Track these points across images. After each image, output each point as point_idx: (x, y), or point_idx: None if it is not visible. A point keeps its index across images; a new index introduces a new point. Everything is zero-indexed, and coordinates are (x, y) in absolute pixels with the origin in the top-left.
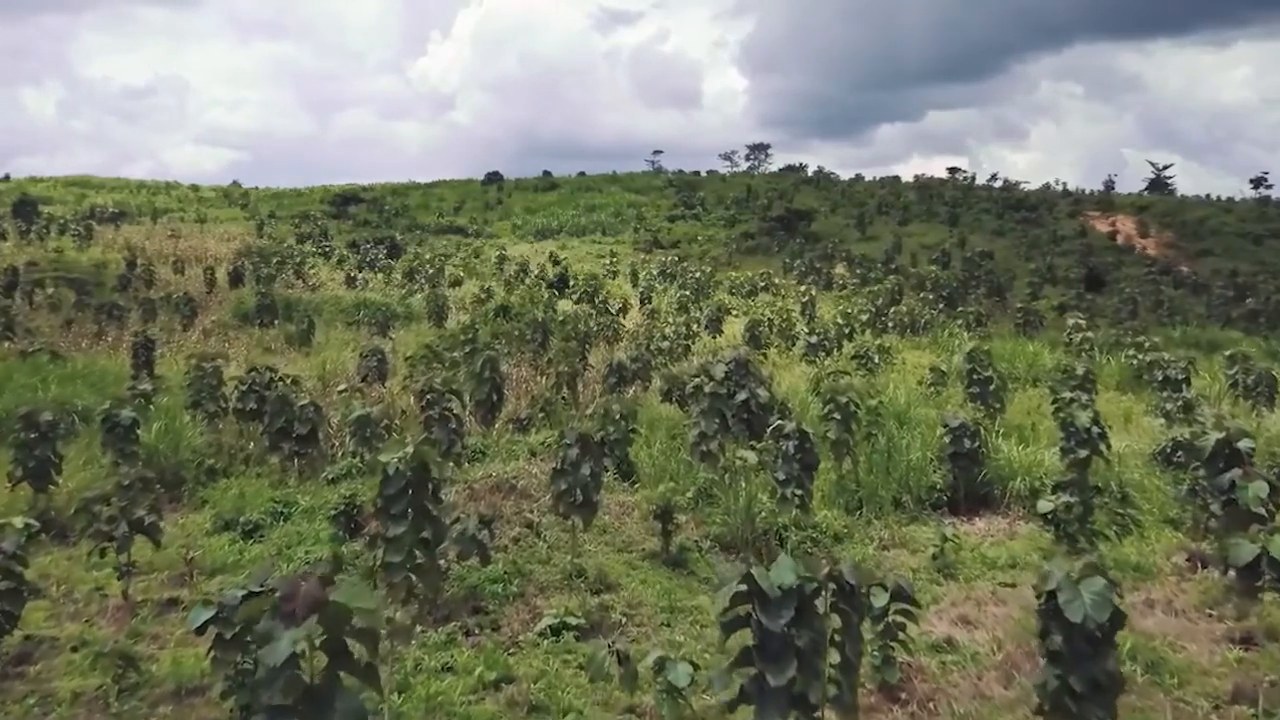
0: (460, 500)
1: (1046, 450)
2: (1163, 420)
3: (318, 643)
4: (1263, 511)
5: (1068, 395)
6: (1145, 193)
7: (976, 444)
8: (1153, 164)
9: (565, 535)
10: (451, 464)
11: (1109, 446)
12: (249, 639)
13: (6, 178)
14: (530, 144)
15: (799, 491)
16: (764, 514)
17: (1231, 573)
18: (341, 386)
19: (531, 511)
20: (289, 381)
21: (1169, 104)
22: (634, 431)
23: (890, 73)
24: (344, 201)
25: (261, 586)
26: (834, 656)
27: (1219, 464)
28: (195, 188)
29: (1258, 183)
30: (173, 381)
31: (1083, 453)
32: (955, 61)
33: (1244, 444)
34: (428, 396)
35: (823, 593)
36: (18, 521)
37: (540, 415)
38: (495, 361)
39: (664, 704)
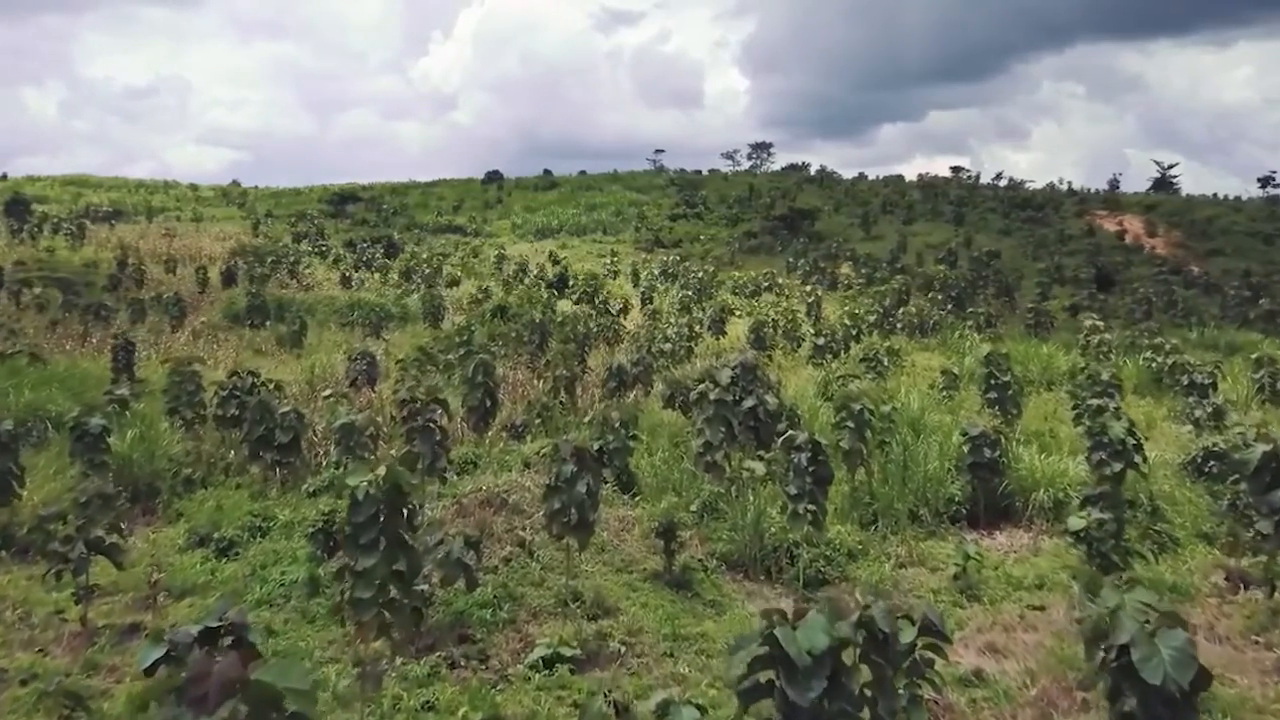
0: (448, 517)
1: (1070, 459)
2: (1190, 427)
3: None
4: None
5: (1094, 402)
6: (1151, 192)
7: (997, 453)
8: (1158, 163)
9: (560, 555)
10: (437, 480)
11: (1145, 459)
12: None
13: (4, 177)
14: (532, 144)
15: (812, 507)
16: (774, 530)
17: None
18: (327, 392)
19: (524, 528)
20: (272, 386)
21: (1171, 104)
22: (634, 438)
23: (892, 72)
24: (342, 200)
25: (220, 621)
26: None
27: (1265, 478)
28: (194, 187)
29: (1265, 182)
30: (155, 385)
31: (1116, 465)
32: (957, 61)
33: None
34: (410, 406)
35: (852, 649)
36: None
37: (537, 421)
38: (489, 365)
39: None
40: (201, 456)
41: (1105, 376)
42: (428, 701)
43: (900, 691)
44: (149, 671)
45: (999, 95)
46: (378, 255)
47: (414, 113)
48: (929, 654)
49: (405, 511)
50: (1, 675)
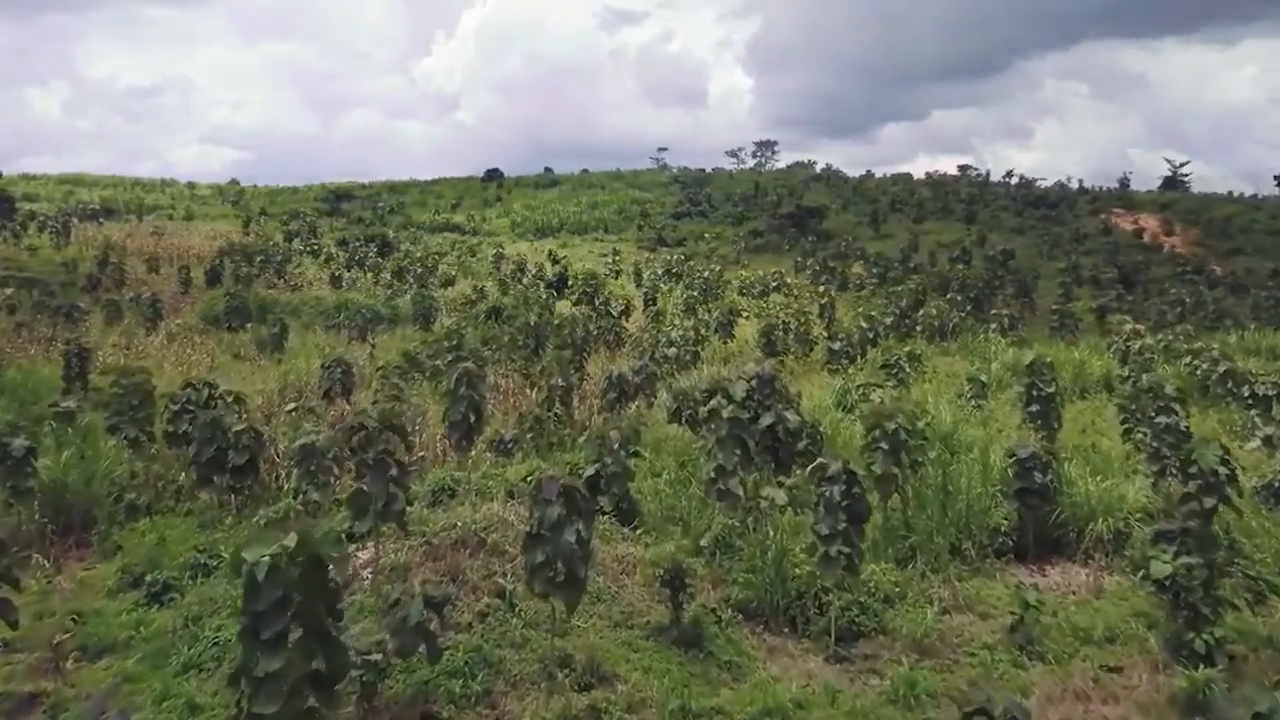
0: (414, 560)
1: (1128, 483)
2: (1258, 444)
3: None
4: None
5: (1161, 420)
6: (1163, 190)
7: (1049, 477)
8: (1169, 161)
9: (547, 607)
10: (392, 525)
11: (1241, 494)
12: None
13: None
14: (535, 144)
15: (845, 549)
16: (798, 571)
17: None
18: (291, 405)
19: (505, 574)
20: (231, 399)
21: (1175, 103)
22: (637, 455)
23: (895, 71)
24: (338, 199)
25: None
26: None
27: None
28: (192, 185)
29: None
30: (109, 395)
31: (1209, 500)
32: (960, 60)
33: None
34: (360, 435)
35: None
36: None
37: (528, 436)
38: (474, 375)
39: None
40: (149, 479)
41: (1168, 389)
42: None
43: None
44: None
45: (1002, 94)
46: (371, 254)
47: (417, 112)
48: None
49: (326, 593)
50: None
